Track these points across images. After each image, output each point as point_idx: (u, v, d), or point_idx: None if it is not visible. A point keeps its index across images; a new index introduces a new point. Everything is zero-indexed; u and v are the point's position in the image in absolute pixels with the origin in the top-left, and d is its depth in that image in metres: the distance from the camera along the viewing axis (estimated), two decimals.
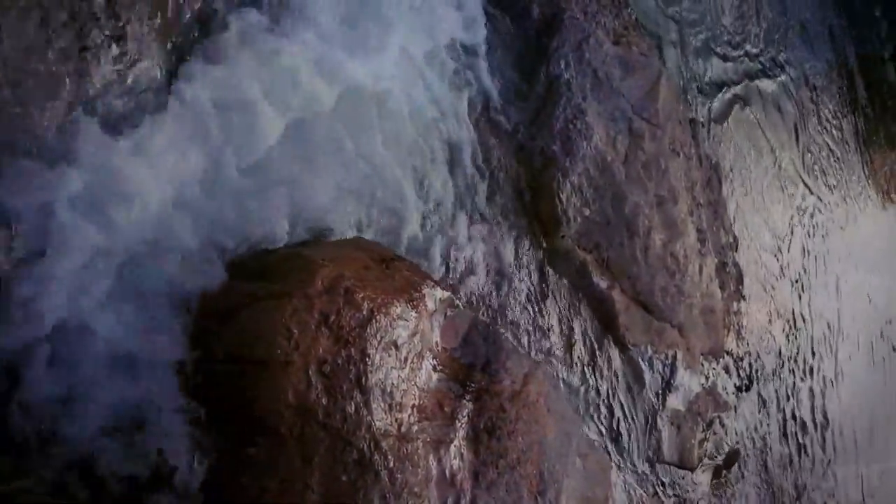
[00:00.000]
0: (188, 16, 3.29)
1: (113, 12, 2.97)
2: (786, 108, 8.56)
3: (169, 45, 3.21)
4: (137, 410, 2.87)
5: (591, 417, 4.89)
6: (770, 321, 7.37)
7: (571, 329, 4.86)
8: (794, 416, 7.54)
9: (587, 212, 4.84)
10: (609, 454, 4.91)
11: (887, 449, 9.53)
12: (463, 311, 3.75)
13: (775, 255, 7.77)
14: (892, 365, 10.15)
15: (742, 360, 6.71)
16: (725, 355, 6.37)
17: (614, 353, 5.08)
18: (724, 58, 7.52)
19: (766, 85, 8.26)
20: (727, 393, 6.29)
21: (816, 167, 9.05)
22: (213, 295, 3.14)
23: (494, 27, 4.75)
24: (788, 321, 7.74)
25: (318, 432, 2.99)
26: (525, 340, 4.57)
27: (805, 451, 7.57)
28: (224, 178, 3.29)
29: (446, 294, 3.65)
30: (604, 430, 4.95)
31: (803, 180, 8.65)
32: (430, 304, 3.52)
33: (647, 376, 5.27)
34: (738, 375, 6.61)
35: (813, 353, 8.09)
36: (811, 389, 8.07)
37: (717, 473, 5.89)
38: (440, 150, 4.33)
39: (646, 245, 5.16)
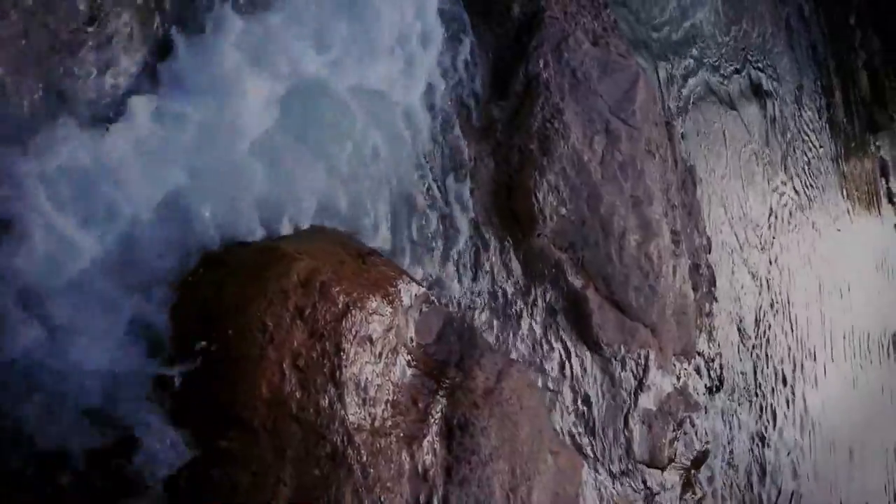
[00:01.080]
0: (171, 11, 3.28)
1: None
2: (763, 114, 8.65)
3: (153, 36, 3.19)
4: (112, 404, 2.85)
5: (564, 415, 4.93)
6: (742, 324, 7.45)
7: (545, 327, 4.89)
8: (763, 417, 7.63)
9: (563, 211, 4.86)
10: (580, 452, 4.94)
11: (862, 456, 9.66)
12: (438, 307, 3.76)
13: (749, 259, 7.85)
14: (863, 370, 10.30)
15: (713, 361, 6.78)
16: (697, 356, 6.43)
17: (587, 353, 5.11)
18: (704, 63, 7.58)
19: (744, 90, 8.34)
20: (698, 393, 6.35)
21: (792, 173, 9.16)
22: (188, 287, 3.13)
23: (473, 25, 4.76)
24: (759, 323, 7.83)
25: (291, 426, 2.99)
26: (500, 338, 4.59)
27: (776, 453, 7.66)
28: (206, 171, 3.28)
29: (422, 290, 3.66)
30: (576, 428, 4.98)
31: (778, 186, 8.75)
32: (406, 300, 3.53)
33: (620, 375, 5.31)
34: (710, 376, 6.68)
35: (782, 358, 8.19)
36: (781, 392, 8.16)
37: (686, 473, 5.95)
38: (416, 147, 4.34)
39: (621, 245, 5.20)
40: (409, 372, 3.46)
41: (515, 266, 4.79)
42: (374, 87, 4.05)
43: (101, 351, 2.87)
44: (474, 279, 4.52)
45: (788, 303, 8.49)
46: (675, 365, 5.91)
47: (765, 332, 7.82)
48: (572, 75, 5.09)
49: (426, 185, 4.34)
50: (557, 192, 4.84)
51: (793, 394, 8.32)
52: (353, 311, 3.22)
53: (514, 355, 4.61)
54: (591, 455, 5.06)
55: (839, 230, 10.23)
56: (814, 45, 10.41)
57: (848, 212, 10.82)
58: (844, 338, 9.93)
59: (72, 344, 2.82)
